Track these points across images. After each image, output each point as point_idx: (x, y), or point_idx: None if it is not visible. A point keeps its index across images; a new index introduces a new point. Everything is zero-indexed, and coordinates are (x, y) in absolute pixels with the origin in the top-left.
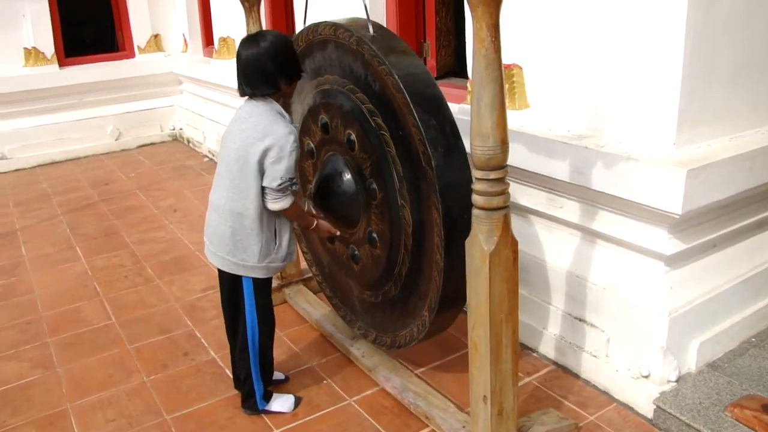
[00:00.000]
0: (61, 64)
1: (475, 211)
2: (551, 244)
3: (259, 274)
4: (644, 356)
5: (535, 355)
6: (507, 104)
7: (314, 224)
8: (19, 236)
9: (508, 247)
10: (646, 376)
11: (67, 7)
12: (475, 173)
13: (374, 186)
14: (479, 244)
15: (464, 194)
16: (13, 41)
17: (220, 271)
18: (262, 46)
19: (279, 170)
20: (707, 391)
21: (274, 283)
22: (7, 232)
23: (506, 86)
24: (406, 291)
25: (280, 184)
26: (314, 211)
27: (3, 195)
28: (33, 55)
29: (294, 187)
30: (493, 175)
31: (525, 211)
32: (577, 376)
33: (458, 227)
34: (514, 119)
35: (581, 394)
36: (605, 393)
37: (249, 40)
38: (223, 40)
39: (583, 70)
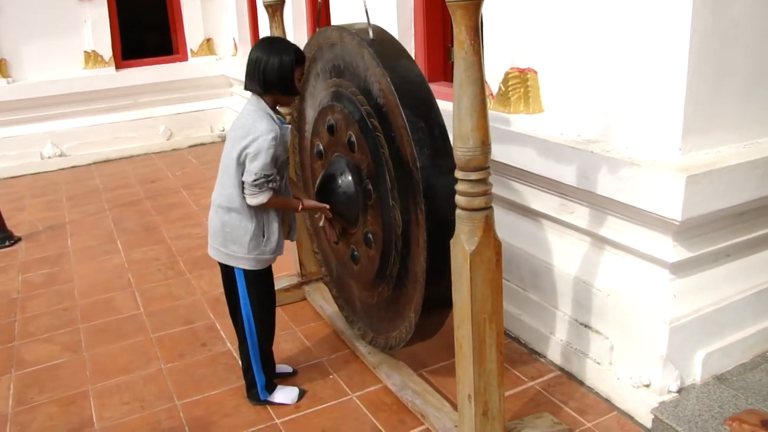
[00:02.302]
0: (118, 67)
1: (457, 212)
2: (562, 249)
3: (249, 266)
4: (646, 365)
5: (542, 360)
6: (521, 108)
7: (300, 205)
8: (67, 229)
9: (490, 248)
10: (647, 386)
11: (127, 13)
12: (457, 174)
13: (369, 187)
14: (461, 244)
15: (450, 197)
16: (75, 45)
17: (219, 263)
18: (267, 49)
19: (255, 166)
20: (709, 404)
21: (294, 281)
22: (57, 224)
23: (521, 90)
24: (396, 292)
25: (254, 180)
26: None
27: (58, 190)
28: (92, 57)
29: (271, 185)
30: (473, 176)
31: (538, 216)
32: (581, 383)
33: (442, 230)
34: (528, 123)
35: (582, 401)
36: (607, 401)
37: (261, 42)
38: None
39: (595, 75)
